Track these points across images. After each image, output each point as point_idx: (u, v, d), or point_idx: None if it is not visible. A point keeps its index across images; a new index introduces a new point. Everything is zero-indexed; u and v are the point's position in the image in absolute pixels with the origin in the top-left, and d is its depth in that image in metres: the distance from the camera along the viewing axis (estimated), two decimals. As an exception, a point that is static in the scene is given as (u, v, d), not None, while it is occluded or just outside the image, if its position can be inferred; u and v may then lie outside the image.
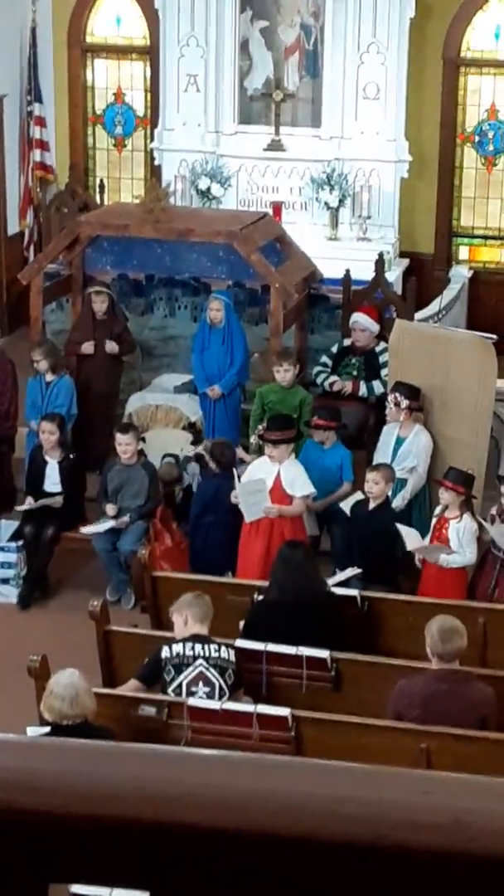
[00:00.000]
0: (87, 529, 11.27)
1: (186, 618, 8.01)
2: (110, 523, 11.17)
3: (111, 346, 13.01)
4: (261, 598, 8.95)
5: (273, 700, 8.07)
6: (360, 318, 12.88)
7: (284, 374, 11.92)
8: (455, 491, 9.99)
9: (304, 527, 10.81)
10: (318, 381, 12.96)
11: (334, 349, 12.99)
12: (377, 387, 12.54)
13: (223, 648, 7.93)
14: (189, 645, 7.89)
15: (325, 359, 12.96)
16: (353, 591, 9.32)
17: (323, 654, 8.30)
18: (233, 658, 7.95)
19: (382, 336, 12.72)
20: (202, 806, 1.05)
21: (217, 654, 7.89)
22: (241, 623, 8.79)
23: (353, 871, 1.04)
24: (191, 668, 7.86)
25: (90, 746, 1.14)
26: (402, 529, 10.15)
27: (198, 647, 7.89)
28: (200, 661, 7.86)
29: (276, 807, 1.04)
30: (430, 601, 9.34)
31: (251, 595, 9.09)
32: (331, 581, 9.69)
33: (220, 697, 7.84)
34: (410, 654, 8.30)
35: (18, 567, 11.43)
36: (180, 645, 7.90)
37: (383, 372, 12.43)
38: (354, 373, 12.79)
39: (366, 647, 8.71)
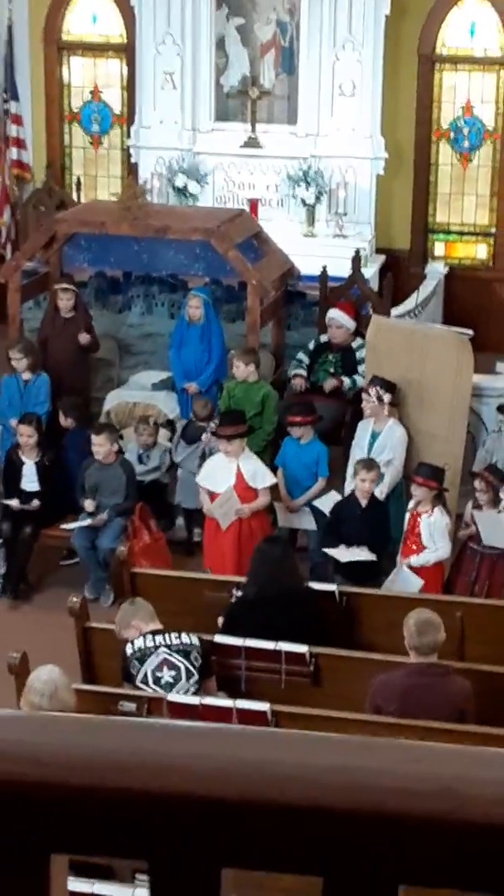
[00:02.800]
0: (67, 525, 11.32)
1: (138, 626, 8.10)
2: (88, 520, 11.21)
3: (84, 338, 13.00)
4: (239, 593, 8.98)
5: (252, 695, 8.10)
6: (336, 315, 12.89)
7: (236, 369, 11.96)
8: (426, 486, 10.04)
9: (267, 517, 10.92)
10: (291, 374, 12.93)
11: (311, 346, 13.01)
12: (358, 381, 12.56)
13: (184, 634, 8.04)
14: (149, 637, 8.02)
15: (301, 355, 12.96)
16: (332, 587, 9.35)
17: (301, 649, 8.33)
18: (196, 642, 8.04)
19: (359, 332, 12.75)
20: (202, 776, 1.08)
21: (178, 641, 8.00)
22: (220, 619, 8.82)
23: (347, 838, 1.07)
24: (153, 657, 7.95)
25: (90, 720, 1.17)
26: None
27: (158, 637, 8.01)
28: (162, 648, 7.97)
29: (273, 776, 1.07)
30: (408, 595, 9.39)
31: (229, 591, 9.11)
32: (341, 555, 9.86)
33: (189, 679, 7.91)
34: (389, 648, 8.33)
35: (-2, 565, 11.45)
36: (141, 639, 8.02)
37: (360, 368, 12.46)
38: (332, 369, 12.80)
39: (344, 641, 8.74)
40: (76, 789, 1.09)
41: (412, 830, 1.06)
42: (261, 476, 10.66)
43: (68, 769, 1.09)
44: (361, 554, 10.14)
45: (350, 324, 12.85)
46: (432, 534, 10.03)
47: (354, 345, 12.79)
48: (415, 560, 10.04)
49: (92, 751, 1.10)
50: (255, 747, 1.10)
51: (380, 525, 10.35)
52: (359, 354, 12.63)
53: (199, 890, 1.09)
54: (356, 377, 12.52)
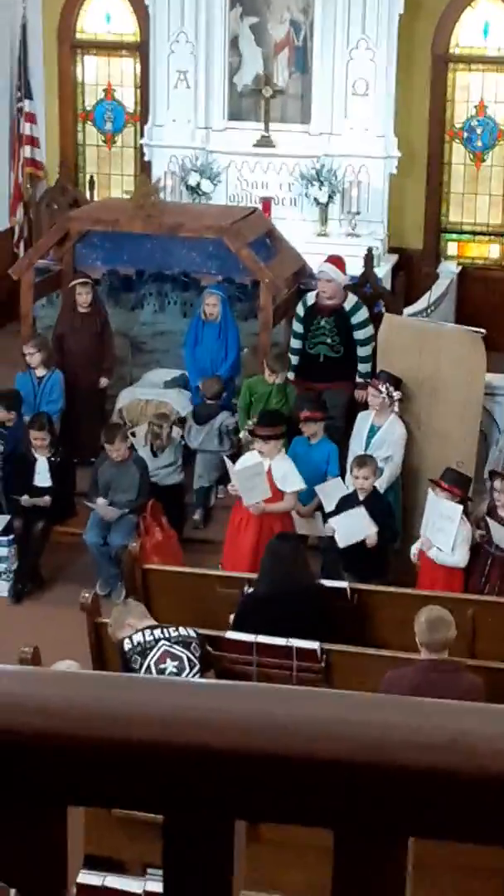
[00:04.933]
0: (89, 503, 11.34)
1: (132, 624, 8.11)
2: (105, 511, 11.23)
3: (104, 382, 13.10)
4: (250, 590, 8.99)
5: (264, 691, 8.09)
6: (325, 268, 12.46)
7: (269, 376, 11.96)
8: (451, 492, 10.01)
9: (292, 521, 10.83)
10: (292, 358, 12.62)
11: (300, 310, 12.61)
12: (364, 369, 12.32)
13: (181, 627, 8.06)
14: (147, 632, 8.02)
15: (296, 326, 12.61)
16: (343, 584, 9.36)
17: (313, 645, 8.34)
18: (194, 633, 8.05)
19: (355, 291, 12.64)
20: (217, 729, 1.10)
21: (177, 633, 8.02)
22: (232, 615, 8.83)
23: (357, 791, 1.09)
24: (154, 650, 7.96)
25: (109, 676, 1.19)
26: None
27: (156, 631, 8.02)
28: (162, 641, 7.99)
29: (284, 730, 1.09)
30: (420, 593, 9.39)
31: (241, 587, 9.13)
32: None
33: (192, 669, 7.93)
34: (400, 645, 8.34)
35: (9, 561, 11.47)
36: (139, 634, 8.02)
37: (357, 334, 12.29)
38: (329, 340, 12.48)
39: (356, 638, 8.75)
40: (94, 742, 1.11)
41: (421, 783, 1.08)
42: (290, 480, 10.60)
43: (87, 722, 1.11)
44: (359, 525, 10.15)
45: (339, 276, 12.46)
46: (454, 541, 10.01)
47: (347, 305, 12.46)
48: (433, 553, 10.04)
49: (109, 704, 1.12)
50: (267, 702, 1.12)
51: (381, 519, 10.33)
52: (354, 319, 12.37)
53: (213, 841, 1.11)
54: (367, 366, 12.26)
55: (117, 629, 8.17)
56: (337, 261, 12.62)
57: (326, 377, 12.37)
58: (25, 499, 11.47)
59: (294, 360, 12.62)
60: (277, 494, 10.57)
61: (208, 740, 1.09)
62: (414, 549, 10.23)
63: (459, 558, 10.04)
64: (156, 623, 8.14)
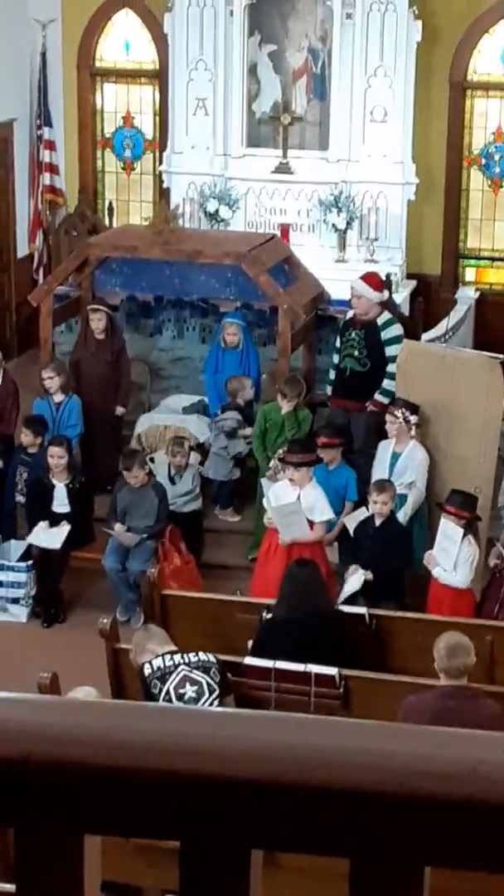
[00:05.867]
0: (109, 531, 11.36)
1: (153, 649, 8.11)
2: (124, 536, 11.25)
3: (120, 411, 13.14)
4: (269, 615, 8.99)
5: (282, 717, 8.08)
6: (356, 285, 12.57)
7: (283, 402, 11.94)
8: (457, 516, 10.02)
9: (323, 551, 10.80)
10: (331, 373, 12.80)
11: (341, 325, 12.79)
12: (389, 386, 12.30)
13: (201, 653, 8.07)
14: (168, 657, 8.02)
15: (337, 341, 12.78)
16: (362, 609, 9.35)
17: (331, 671, 8.33)
18: (213, 659, 8.05)
19: (386, 307, 12.66)
20: (235, 759, 1.11)
21: (196, 658, 8.02)
22: (250, 641, 8.83)
23: (374, 820, 1.10)
24: (174, 675, 7.96)
25: (125, 704, 1.20)
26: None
27: (176, 657, 8.02)
28: (182, 666, 7.99)
29: (302, 759, 1.09)
30: (439, 619, 9.38)
31: (259, 613, 9.13)
32: (342, 595, 9.79)
33: (211, 693, 7.93)
34: (419, 671, 8.32)
35: (28, 586, 11.50)
36: (159, 659, 8.01)
37: (389, 350, 12.29)
38: (356, 353, 12.51)
39: (374, 664, 8.74)
40: (111, 770, 1.12)
41: (437, 812, 1.08)
42: (319, 510, 10.57)
43: (103, 751, 1.12)
44: (355, 584, 10.15)
45: (370, 294, 12.51)
46: (457, 560, 10.03)
47: (380, 321, 12.53)
48: (436, 571, 10.07)
49: (127, 733, 1.13)
50: (286, 731, 1.13)
51: (395, 542, 10.33)
52: (385, 334, 12.40)
53: (229, 870, 1.12)
54: (392, 383, 12.16)
55: (138, 654, 8.18)
56: (370, 278, 12.72)
57: (351, 394, 12.38)
58: (42, 527, 11.51)
59: (332, 375, 12.79)
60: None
61: (223, 769, 1.09)
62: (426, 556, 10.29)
63: (461, 578, 10.05)
64: (176, 648, 8.15)
